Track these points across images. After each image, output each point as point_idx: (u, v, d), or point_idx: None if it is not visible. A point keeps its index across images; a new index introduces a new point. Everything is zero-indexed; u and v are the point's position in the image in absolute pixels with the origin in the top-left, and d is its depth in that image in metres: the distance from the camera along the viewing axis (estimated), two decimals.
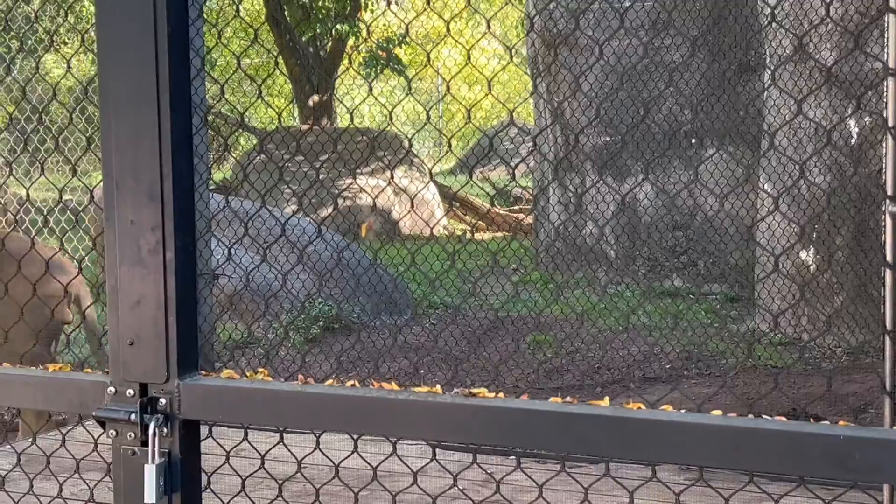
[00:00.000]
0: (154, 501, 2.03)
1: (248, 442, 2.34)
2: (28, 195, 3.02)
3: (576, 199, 11.32)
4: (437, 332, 9.12)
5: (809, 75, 8.29)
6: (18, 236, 6.69)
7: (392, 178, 14.80)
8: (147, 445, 2.06)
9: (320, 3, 16.35)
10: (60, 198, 2.96)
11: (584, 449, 1.88)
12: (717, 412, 1.82)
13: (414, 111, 21.91)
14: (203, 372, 2.13)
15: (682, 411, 1.84)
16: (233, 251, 7.74)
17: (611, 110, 10.66)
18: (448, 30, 2.27)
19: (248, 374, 2.21)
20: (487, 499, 2.31)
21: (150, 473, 2.04)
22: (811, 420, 2.07)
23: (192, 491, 2.12)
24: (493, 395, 1.95)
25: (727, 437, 1.74)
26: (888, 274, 3.62)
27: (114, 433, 2.10)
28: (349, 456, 2.29)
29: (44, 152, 10.18)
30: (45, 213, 8.67)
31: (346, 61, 17.58)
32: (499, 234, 15.60)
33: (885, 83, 7.38)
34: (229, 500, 2.46)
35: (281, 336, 8.96)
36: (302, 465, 2.32)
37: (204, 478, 2.19)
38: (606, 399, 1.92)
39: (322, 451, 2.31)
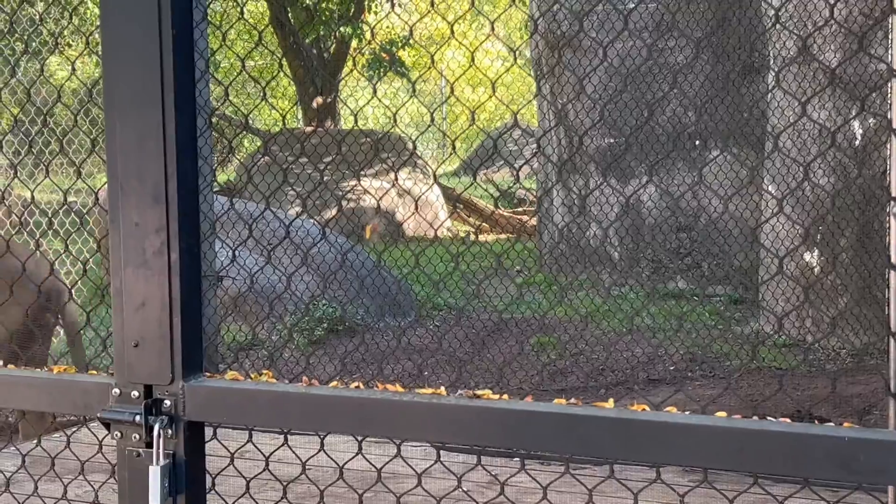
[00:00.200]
0: (159, 503, 2.04)
1: (253, 443, 2.34)
2: (33, 197, 3.03)
3: (580, 201, 11.31)
4: (441, 334, 9.12)
5: (813, 77, 8.29)
6: None
7: (396, 179, 14.81)
8: (152, 447, 2.06)
9: (324, 6, 16.36)
10: (65, 200, 2.97)
11: (588, 450, 1.88)
12: (722, 414, 1.82)
13: (418, 113, 21.92)
14: (207, 374, 2.13)
15: (687, 413, 1.84)
16: (237, 253, 7.74)
17: (615, 112, 10.65)
18: (452, 32, 2.27)
19: (252, 375, 2.21)
20: (492, 500, 2.31)
21: (154, 475, 2.04)
22: (815, 422, 2.07)
23: (197, 492, 2.12)
24: (497, 396, 1.95)
25: (732, 438, 1.74)
26: (892, 275, 3.62)
27: (118, 435, 2.10)
28: (353, 457, 2.29)
29: (48, 154, 10.19)
30: (50, 215, 8.68)
31: (349, 63, 17.59)
32: (503, 236, 15.60)
33: (889, 85, 7.37)
34: (234, 502, 2.46)
35: (285, 338, 8.97)
36: (306, 467, 2.32)
37: (208, 479, 2.19)
38: (611, 401, 1.93)
39: (326, 453, 2.31)
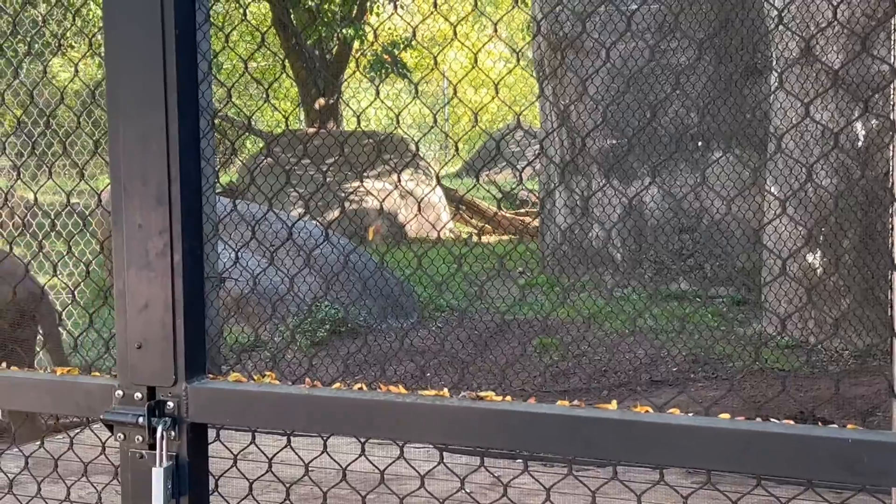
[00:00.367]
0: None
1: (256, 445, 2.34)
2: (35, 199, 3.03)
3: (582, 203, 11.31)
4: (444, 336, 9.12)
5: (816, 78, 8.28)
6: None
7: (398, 181, 14.81)
8: (155, 449, 2.06)
9: (326, 7, 16.36)
10: (68, 201, 2.97)
11: (591, 452, 1.88)
12: (725, 415, 1.82)
13: (420, 114, 21.91)
14: (210, 375, 2.13)
15: (690, 415, 1.83)
16: (240, 254, 7.74)
17: (617, 113, 10.65)
18: (455, 33, 2.27)
19: (255, 377, 2.21)
20: (495, 502, 2.30)
21: (157, 477, 2.04)
22: (819, 423, 2.07)
23: (200, 494, 2.12)
24: (500, 398, 1.95)
25: (735, 440, 1.74)
26: (895, 277, 3.62)
27: (122, 436, 2.10)
28: (356, 459, 2.29)
29: (51, 156, 10.20)
30: (53, 216, 8.68)
31: (352, 65, 17.59)
32: (505, 238, 15.59)
33: (892, 86, 7.37)
34: None
35: (288, 339, 8.97)
36: (309, 469, 2.32)
37: (211, 481, 2.19)
38: (614, 402, 1.92)
39: (329, 455, 2.31)
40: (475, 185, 17.51)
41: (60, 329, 6.52)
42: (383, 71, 16.20)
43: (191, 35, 2.08)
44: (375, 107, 19.24)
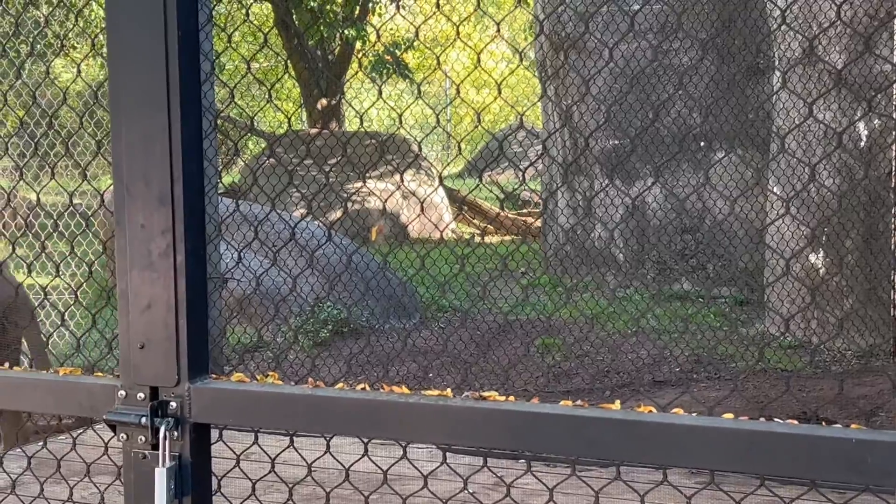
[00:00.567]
0: None
1: (259, 445, 2.34)
2: (38, 199, 3.03)
3: (585, 203, 11.31)
4: (447, 336, 9.12)
5: (819, 78, 8.28)
6: None
7: (401, 181, 14.81)
8: (157, 449, 2.06)
9: (329, 7, 16.37)
10: (70, 202, 2.97)
11: (594, 452, 1.88)
12: (728, 416, 1.82)
13: (422, 114, 21.92)
14: (213, 375, 2.13)
15: (693, 415, 1.83)
16: (242, 255, 7.75)
17: (620, 113, 10.65)
18: (457, 33, 2.27)
19: (258, 377, 2.21)
20: (498, 502, 2.30)
21: (160, 477, 2.04)
22: (822, 423, 2.06)
23: (203, 494, 2.12)
24: (503, 398, 1.94)
25: (738, 440, 1.74)
26: None
27: (124, 437, 2.10)
28: (359, 459, 2.29)
29: (53, 157, 10.20)
30: (55, 217, 8.69)
31: (354, 65, 17.60)
32: (507, 238, 15.59)
33: (895, 86, 7.36)
34: None
35: (290, 340, 8.97)
36: (312, 469, 2.32)
37: (214, 481, 2.19)
38: (617, 403, 1.92)
39: (332, 455, 2.31)
40: (478, 186, 17.51)
41: (43, 336, 6.48)
42: (385, 71, 16.20)
43: (193, 36, 2.08)
44: (378, 107, 19.24)
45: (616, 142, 10.99)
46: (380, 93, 2.61)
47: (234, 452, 2.32)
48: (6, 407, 2.64)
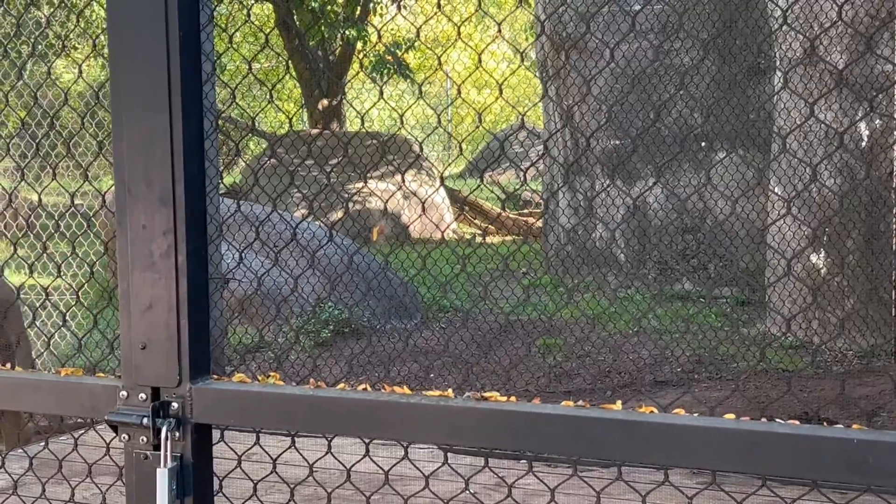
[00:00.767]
0: None
1: (260, 446, 2.34)
2: (39, 200, 3.03)
3: (586, 203, 11.31)
4: (448, 336, 9.12)
5: (820, 78, 8.28)
6: None
7: (402, 181, 14.82)
8: (159, 449, 2.06)
9: (330, 8, 16.37)
10: (72, 202, 2.97)
11: (596, 452, 1.88)
12: (730, 416, 1.82)
13: (424, 115, 21.92)
14: (214, 376, 2.13)
15: (695, 415, 1.83)
16: (244, 255, 7.75)
17: (621, 114, 10.65)
18: (458, 33, 2.27)
19: (259, 378, 2.21)
20: (499, 503, 2.30)
21: (162, 477, 2.04)
22: (824, 424, 2.06)
23: (204, 495, 2.12)
24: (504, 398, 1.94)
25: (739, 440, 1.73)
26: None
27: (126, 437, 2.10)
28: (361, 460, 2.29)
29: (55, 157, 10.21)
30: (57, 217, 8.69)
31: (355, 65, 17.60)
32: (509, 238, 15.59)
33: (895, 86, 7.35)
34: None
35: (292, 340, 8.97)
36: (313, 469, 2.32)
37: (216, 482, 2.19)
38: (618, 403, 1.92)
39: (333, 455, 2.31)
40: (479, 186, 17.51)
41: (31, 341, 6.47)
42: (387, 71, 16.21)
43: (194, 36, 2.08)
44: (379, 107, 19.25)
45: (617, 142, 10.98)
46: (381, 93, 2.60)
47: (236, 453, 2.32)
48: (7, 407, 2.64)
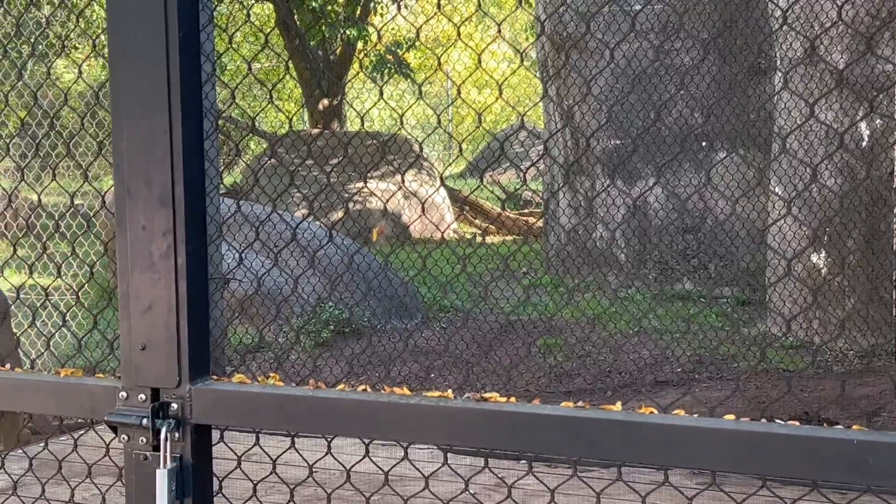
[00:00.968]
0: None
1: (260, 446, 2.34)
2: (39, 200, 3.03)
3: (586, 203, 11.30)
4: (448, 336, 9.12)
5: (820, 78, 8.27)
6: None
7: (402, 181, 14.82)
8: (159, 450, 2.06)
9: (330, 8, 16.37)
10: (72, 202, 2.96)
11: (596, 453, 1.88)
12: (730, 416, 1.81)
13: (424, 115, 21.92)
14: (214, 376, 2.13)
15: (695, 416, 1.83)
16: (244, 255, 7.75)
17: (621, 114, 10.64)
18: (458, 33, 2.27)
19: (259, 378, 2.21)
20: (499, 503, 2.30)
21: (161, 478, 2.04)
22: (824, 424, 2.06)
23: (204, 496, 2.12)
24: (504, 399, 1.94)
25: (740, 441, 1.73)
26: None
27: (125, 438, 2.10)
28: (361, 460, 2.29)
29: (55, 157, 10.21)
30: (57, 217, 8.69)
31: (355, 65, 17.61)
32: (509, 238, 15.59)
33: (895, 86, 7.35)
34: None
35: (292, 340, 8.97)
36: (313, 470, 2.32)
37: (215, 482, 2.19)
38: (618, 404, 1.92)
39: (333, 456, 2.31)
40: (479, 186, 17.51)
41: (19, 351, 6.46)
42: (387, 70, 16.21)
43: (194, 36, 2.08)
44: (379, 107, 19.25)
45: (617, 142, 10.98)
46: (381, 93, 2.61)
47: (236, 453, 2.32)
48: (7, 408, 2.64)
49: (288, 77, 18.62)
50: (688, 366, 8.30)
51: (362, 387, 2.08)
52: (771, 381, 7.77)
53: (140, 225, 2.07)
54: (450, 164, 22.37)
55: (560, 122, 11.63)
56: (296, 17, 16.88)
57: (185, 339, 2.07)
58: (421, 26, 3.32)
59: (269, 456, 2.31)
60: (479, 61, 2.59)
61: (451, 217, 16.03)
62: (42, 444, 2.87)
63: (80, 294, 7.98)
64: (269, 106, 18.92)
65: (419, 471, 2.25)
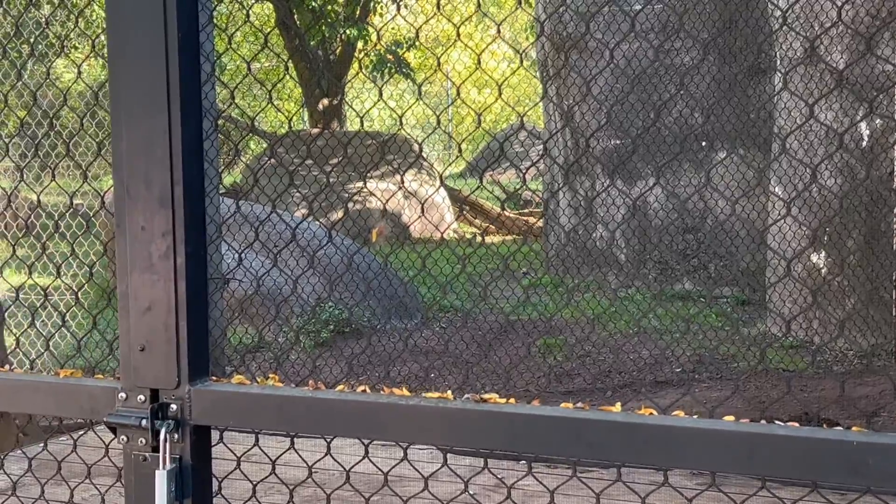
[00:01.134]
0: None
1: (259, 447, 2.34)
2: (39, 200, 3.03)
3: (586, 203, 11.30)
4: (448, 336, 9.12)
5: (820, 78, 8.27)
6: None
7: (402, 181, 14.82)
8: (158, 451, 2.06)
9: (330, 8, 16.37)
10: (71, 202, 2.97)
11: (595, 454, 1.87)
12: (730, 417, 1.81)
13: (424, 115, 21.92)
14: (214, 377, 2.13)
15: (694, 416, 1.83)
16: (243, 256, 7.75)
17: (621, 114, 10.64)
18: (458, 33, 2.27)
19: (258, 379, 2.21)
20: None
21: (160, 479, 2.04)
22: (823, 424, 2.06)
23: (203, 496, 2.12)
24: (503, 400, 1.94)
25: (739, 442, 1.73)
26: None
27: (125, 439, 2.10)
28: (360, 461, 2.29)
29: (54, 157, 10.20)
30: (56, 217, 8.69)
31: (355, 65, 17.61)
32: (509, 238, 15.59)
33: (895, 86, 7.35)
34: None
35: (291, 340, 8.97)
36: (312, 471, 2.32)
37: (215, 483, 2.19)
38: (618, 404, 1.92)
39: (333, 457, 2.31)
40: (479, 186, 17.52)
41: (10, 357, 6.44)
42: (387, 70, 16.20)
43: (194, 36, 2.08)
44: (379, 107, 19.25)
45: (617, 142, 10.98)
46: (380, 93, 2.61)
47: (235, 454, 2.32)
48: (7, 409, 2.64)
49: (288, 77, 18.62)
50: (688, 366, 8.30)
51: (362, 387, 2.08)
52: (771, 381, 7.77)
53: (139, 225, 2.07)
54: (450, 164, 22.37)
55: (560, 122, 11.62)
56: (296, 16, 16.88)
57: (185, 340, 2.07)
58: (421, 26, 3.32)
59: (268, 456, 2.31)
60: (479, 61, 2.59)
61: (451, 217, 16.03)
62: (41, 445, 2.87)
63: (79, 294, 7.99)
64: (269, 106, 18.92)
65: (419, 471, 2.25)
